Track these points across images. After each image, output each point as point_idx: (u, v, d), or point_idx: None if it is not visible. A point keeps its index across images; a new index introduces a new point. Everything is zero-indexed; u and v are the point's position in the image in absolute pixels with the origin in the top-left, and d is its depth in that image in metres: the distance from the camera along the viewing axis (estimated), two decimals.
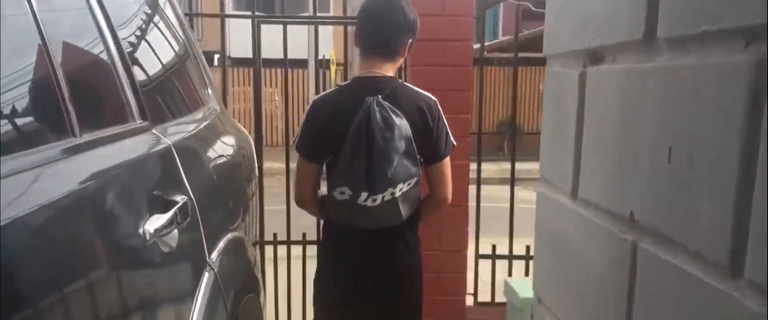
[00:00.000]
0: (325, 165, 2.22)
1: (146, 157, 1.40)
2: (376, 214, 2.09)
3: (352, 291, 2.28)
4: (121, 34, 1.45)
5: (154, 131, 1.48)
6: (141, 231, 1.22)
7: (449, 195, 2.35)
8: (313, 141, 2.19)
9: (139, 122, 1.43)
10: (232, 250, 1.80)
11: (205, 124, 2.01)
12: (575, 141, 0.74)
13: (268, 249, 3.73)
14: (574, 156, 0.74)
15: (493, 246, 3.73)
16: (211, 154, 1.94)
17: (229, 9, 22.22)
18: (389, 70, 2.20)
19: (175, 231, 1.36)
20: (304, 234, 3.75)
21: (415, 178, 2.12)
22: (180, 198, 1.42)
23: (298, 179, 2.28)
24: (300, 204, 2.35)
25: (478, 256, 3.73)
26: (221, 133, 2.17)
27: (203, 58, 2.36)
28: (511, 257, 3.74)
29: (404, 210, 2.14)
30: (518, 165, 3.70)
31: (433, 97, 2.23)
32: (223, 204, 1.90)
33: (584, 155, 0.73)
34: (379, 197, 2.04)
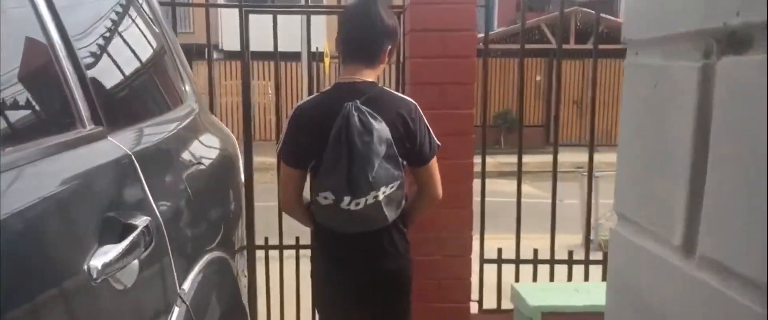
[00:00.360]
0: (309, 170, 2.24)
1: (96, 171, 1.13)
2: (360, 218, 2.14)
3: (344, 295, 2.34)
4: (69, 25, 1.19)
5: (110, 138, 1.22)
6: (85, 267, 0.97)
7: (440, 193, 2.39)
8: (295, 147, 2.24)
9: (90, 128, 1.16)
10: (212, 274, 1.56)
11: (180, 125, 1.76)
12: (692, 168, 0.49)
13: (260, 253, 3.49)
14: (688, 191, 0.49)
15: (499, 251, 3.49)
16: (185, 160, 1.68)
17: (221, 1, 22.09)
18: (370, 76, 2.24)
19: (135, 262, 1.11)
20: (297, 239, 3.50)
21: (399, 181, 2.15)
22: (142, 221, 1.16)
23: (282, 185, 2.35)
24: (286, 210, 2.41)
25: (483, 261, 3.49)
26: (200, 135, 1.92)
27: (181, 52, 2.10)
28: (518, 261, 3.50)
29: (389, 213, 2.17)
30: (513, 159, 3.48)
31: (412, 101, 2.27)
32: (200, 219, 1.64)
33: (709, 191, 0.47)
34: (362, 201, 2.09)
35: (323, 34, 12.89)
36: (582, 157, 14.47)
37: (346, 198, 2.09)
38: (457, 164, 3.14)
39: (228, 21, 20.27)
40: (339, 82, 2.27)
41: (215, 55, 20.71)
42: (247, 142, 3.40)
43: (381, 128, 2.08)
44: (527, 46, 9.43)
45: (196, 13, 22.43)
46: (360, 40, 2.23)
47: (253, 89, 17.29)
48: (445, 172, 2.50)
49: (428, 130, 2.27)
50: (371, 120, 2.06)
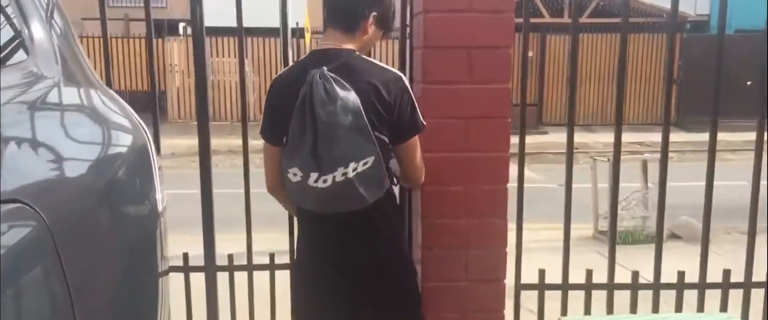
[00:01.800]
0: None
1: None
2: (329, 197, 2.01)
3: (326, 290, 2.23)
4: None
5: None
6: None
7: (418, 178, 2.27)
8: (270, 121, 2.15)
9: None
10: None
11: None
12: None
13: (223, 277, 2.66)
14: None
15: (541, 273, 2.66)
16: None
17: None
18: (348, 45, 2.11)
19: None
20: (271, 256, 2.67)
21: (373, 157, 1.99)
22: None
23: (265, 164, 2.23)
24: (270, 191, 2.28)
25: (520, 286, 2.66)
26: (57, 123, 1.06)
27: None
28: (566, 286, 2.68)
29: (367, 193, 2.02)
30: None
31: (396, 73, 2.13)
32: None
33: None
34: (329, 178, 1.97)
35: (303, 6, 12.07)
36: (579, 137, 13.78)
37: (313, 175, 1.97)
38: (488, 159, 2.32)
39: None
40: (315, 49, 2.18)
41: (190, 31, 19.69)
42: (202, 123, 2.56)
43: (347, 97, 1.95)
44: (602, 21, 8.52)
45: None
46: (339, 4, 2.13)
47: (221, 67, 16.37)
48: (470, 170, 2.30)
49: (413, 105, 2.11)
50: (337, 88, 1.94)
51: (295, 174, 2.02)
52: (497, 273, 2.42)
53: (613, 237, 2.74)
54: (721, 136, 2.80)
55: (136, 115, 1.47)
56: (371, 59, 2.14)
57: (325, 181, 1.97)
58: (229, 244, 2.79)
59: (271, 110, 2.14)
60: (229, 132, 13.79)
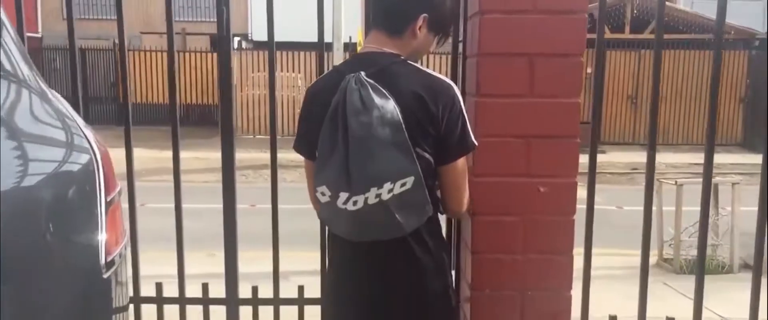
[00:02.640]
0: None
1: None
2: (360, 221, 1.75)
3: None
4: None
5: None
6: None
7: (461, 207, 1.93)
8: (304, 133, 1.92)
9: None
10: None
11: None
12: None
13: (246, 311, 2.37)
14: None
15: None
16: None
17: None
18: (393, 49, 1.85)
19: None
20: (300, 289, 2.37)
21: (413, 178, 1.71)
22: None
23: (307, 179, 1.99)
24: (315, 207, 1.99)
25: None
26: None
27: None
28: None
29: (405, 220, 1.75)
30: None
31: (447, 81, 1.83)
32: None
33: None
34: (360, 199, 1.71)
35: (358, 19, 11.87)
36: (634, 157, 13.20)
37: (343, 195, 1.73)
38: (552, 186, 1.97)
39: (258, 10, 19.51)
40: (357, 52, 2.00)
41: (244, 45, 19.90)
42: (225, 129, 2.29)
43: (386, 107, 1.70)
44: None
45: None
46: (385, 3, 1.89)
47: (279, 81, 16.33)
48: (530, 197, 1.98)
49: (464, 120, 1.81)
50: (374, 96, 1.70)
51: (323, 194, 1.78)
52: (560, 318, 2.07)
53: (702, 273, 2.34)
54: None
55: (88, 136, 1.17)
56: (418, 65, 1.86)
57: (355, 203, 1.73)
58: (256, 265, 2.51)
59: (304, 120, 1.93)
60: (281, 145, 13.71)
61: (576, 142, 1.96)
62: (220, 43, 2.19)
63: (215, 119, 16.71)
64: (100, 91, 19.12)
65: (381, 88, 1.72)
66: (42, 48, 19.84)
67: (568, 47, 1.91)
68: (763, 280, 2.26)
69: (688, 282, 2.40)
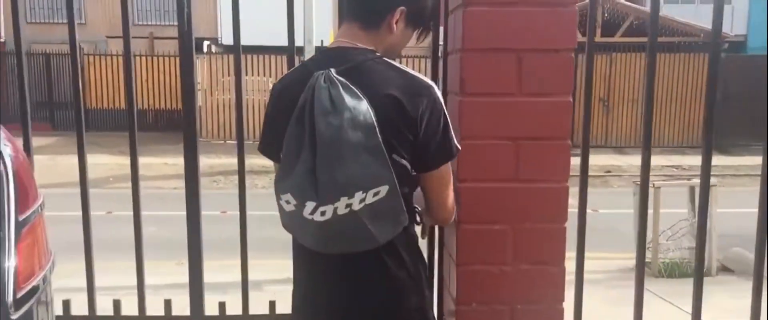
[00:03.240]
0: None
1: None
2: (330, 233, 1.60)
3: None
4: None
5: None
6: None
7: (447, 214, 1.79)
8: (269, 134, 1.76)
9: None
10: None
11: None
12: None
13: None
14: None
15: None
16: None
17: None
18: (366, 43, 1.69)
19: None
20: (272, 305, 2.21)
21: (387, 186, 1.56)
22: None
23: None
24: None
25: None
26: None
27: None
28: None
29: (378, 230, 1.61)
30: None
31: (426, 81, 1.67)
32: None
33: None
34: (328, 209, 1.56)
35: (329, 22, 11.72)
36: (607, 160, 13.19)
37: (310, 204, 1.58)
38: (543, 191, 1.85)
39: (228, 13, 19.25)
40: (323, 47, 1.88)
41: (214, 49, 19.61)
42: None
43: (358, 108, 1.56)
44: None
45: (195, 7, 21.69)
46: None
47: (247, 85, 16.12)
48: (519, 204, 1.85)
49: (445, 124, 1.66)
50: (345, 95, 1.56)
51: (288, 202, 1.63)
52: None
53: (700, 279, 2.23)
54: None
55: None
56: (395, 63, 1.71)
57: (323, 213, 1.58)
58: (227, 274, 2.35)
59: (269, 120, 1.79)
60: (252, 150, 13.53)
61: (567, 143, 1.83)
62: (182, 38, 2.02)
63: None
64: (66, 96, 18.72)
65: (353, 88, 1.57)
66: (3, 52, 19.39)
67: (559, 42, 1.78)
68: (748, 284, 2.18)
69: (667, 286, 2.32)
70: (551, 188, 1.84)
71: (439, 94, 1.67)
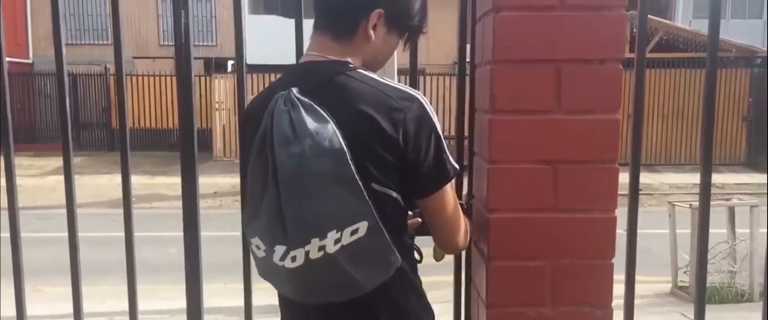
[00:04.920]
0: None
1: None
2: (305, 280, 1.37)
3: None
4: None
5: None
6: None
7: (457, 245, 1.55)
8: (243, 161, 1.50)
9: None
10: None
11: None
12: None
13: None
14: None
15: None
16: None
17: (245, 13, 21.11)
18: (338, 55, 1.45)
19: None
20: None
21: (365, 223, 1.32)
22: None
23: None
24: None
25: None
26: None
27: None
28: None
29: (363, 275, 1.36)
30: None
31: (409, 92, 1.42)
32: None
33: None
34: (299, 253, 1.32)
35: None
36: (643, 178, 12.95)
37: (279, 249, 1.34)
38: (588, 222, 1.60)
39: (252, 33, 19.30)
40: (295, 63, 1.63)
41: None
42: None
43: (322, 132, 1.32)
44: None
45: (221, 27, 21.80)
46: None
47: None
48: (560, 237, 1.58)
49: (438, 141, 1.42)
50: (307, 118, 1.32)
51: (258, 247, 1.41)
52: None
53: None
54: None
55: None
56: (372, 75, 1.46)
57: (294, 259, 1.34)
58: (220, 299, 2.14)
59: (242, 145, 1.57)
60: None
61: (615, 168, 1.59)
62: (177, 51, 1.82)
63: (207, 143, 16.38)
64: (92, 116, 18.79)
65: (317, 108, 1.35)
66: (33, 73, 19.56)
67: (604, 51, 1.55)
68: None
69: (707, 312, 2.04)
70: (596, 219, 1.59)
71: (426, 105, 1.42)
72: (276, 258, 1.36)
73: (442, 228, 1.52)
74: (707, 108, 1.71)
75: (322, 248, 1.33)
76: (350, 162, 1.33)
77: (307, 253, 1.33)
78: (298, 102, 1.34)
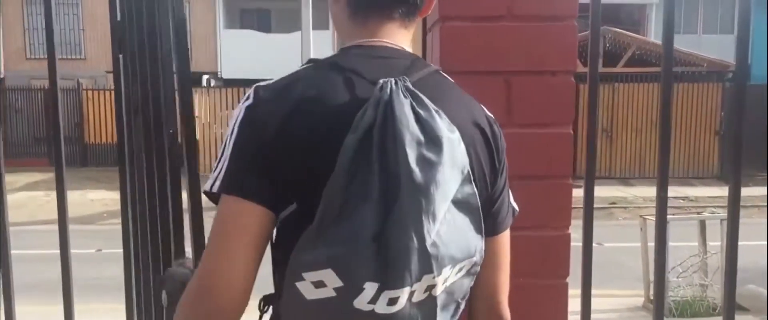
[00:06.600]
0: (282, 221, 1.05)
1: None
2: None
3: None
4: None
5: None
6: None
7: (504, 302, 1.25)
8: (271, 168, 1.03)
9: None
10: None
11: None
12: None
13: None
14: None
15: None
16: None
17: (220, 27, 21.05)
18: (409, 47, 1.16)
19: None
20: None
21: (475, 259, 1.07)
22: None
23: (217, 246, 1.04)
24: (212, 307, 1.03)
25: None
26: None
27: None
28: None
29: None
30: None
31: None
32: None
33: None
34: (402, 293, 0.98)
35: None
36: (611, 191, 12.91)
37: (371, 287, 0.97)
38: (540, 240, 1.55)
39: (227, 47, 19.22)
40: (347, 46, 1.14)
41: (213, 83, 19.46)
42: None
43: (453, 141, 1.02)
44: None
45: (196, 42, 21.69)
46: None
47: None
48: (513, 255, 1.30)
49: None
50: (438, 121, 1.00)
51: (320, 283, 1.01)
52: None
53: None
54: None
55: None
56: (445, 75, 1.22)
57: (393, 302, 1.00)
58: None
59: (256, 146, 1.06)
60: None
61: (568, 183, 1.54)
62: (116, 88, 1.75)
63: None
64: (64, 131, 18.52)
65: (440, 111, 1.04)
66: (4, 89, 19.30)
67: (556, 63, 1.50)
68: None
69: None
70: (549, 236, 1.54)
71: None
72: (361, 300, 1.00)
73: (505, 269, 1.27)
74: (663, 123, 1.67)
75: (430, 288, 1.03)
76: (473, 183, 1.07)
77: (411, 293, 1.01)
78: (421, 97, 1.02)
